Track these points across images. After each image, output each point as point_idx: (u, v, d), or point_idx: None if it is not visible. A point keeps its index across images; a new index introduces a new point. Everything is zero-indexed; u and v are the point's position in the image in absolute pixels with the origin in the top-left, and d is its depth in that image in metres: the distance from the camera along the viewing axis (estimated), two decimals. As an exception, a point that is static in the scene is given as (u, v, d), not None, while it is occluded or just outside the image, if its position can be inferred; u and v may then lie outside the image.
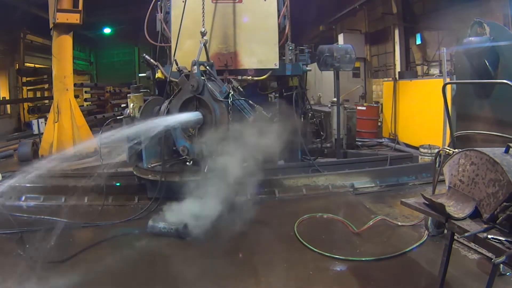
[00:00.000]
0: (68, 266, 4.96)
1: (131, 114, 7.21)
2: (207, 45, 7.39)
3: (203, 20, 6.90)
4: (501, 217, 3.13)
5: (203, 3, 7.01)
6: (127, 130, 6.52)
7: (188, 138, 6.37)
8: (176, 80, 6.81)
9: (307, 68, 8.92)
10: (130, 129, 6.54)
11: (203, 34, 6.69)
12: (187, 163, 6.59)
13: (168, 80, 7.20)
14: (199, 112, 6.26)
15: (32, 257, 5.10)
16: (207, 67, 6.52)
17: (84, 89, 23.68)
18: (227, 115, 6.00)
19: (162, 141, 6.67)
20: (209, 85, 6.13)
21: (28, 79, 20.09)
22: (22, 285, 4.55)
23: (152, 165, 6.98)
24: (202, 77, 6.34)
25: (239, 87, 6.48)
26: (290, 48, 8.18)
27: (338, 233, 5.93)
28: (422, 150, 9.11)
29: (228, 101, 6.08)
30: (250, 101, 6.16)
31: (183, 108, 6.41)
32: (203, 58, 6.92)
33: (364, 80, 18.11)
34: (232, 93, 6.07)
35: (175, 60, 7.09)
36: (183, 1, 7.47)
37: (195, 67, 6.23)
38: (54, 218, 6.58)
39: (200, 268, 4.94)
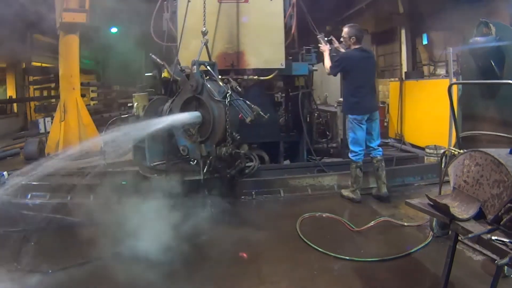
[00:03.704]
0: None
1: (135, 113, 7.24)
2: (213, 44, 7.41)
3: (204, 20, 6.89)
4: (505, 219, 3.11)
5: (204, 3, 7.00)
6: (127, 130, 6.53)
7: (188, 138, 6.38)
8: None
9: (314, 68, 8.91)
10: (131, 128, 6.56)
11: (204, 33, 6.70)
12: (191, 162, 6.60)
13: (171, 79, 7.21)
14: (199, 112, 6.27)
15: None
16: (208, 66, 6.53)
17: (91, 88, 23.66)
18: (224, 115, 6.01)
19: (165, 140, 6.69)
20: (208, 85, 6.14)
21: (34, 78, 20.08)
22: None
23: (154, 163, 7.00)
24: (206, 77, 6.35)
25: (237, 87, 6.48)
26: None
27: (341, 233, 5.94)
28: (428, 150, 9.07)
29: (226, 101, 6.08)
30: (248, 102, 6.16)
31: (184, 108, 6.43)
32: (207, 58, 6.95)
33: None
34: (230, 93, 6.07)
35: (178, 59, 7.11)
36: (189, 1, 7.49)
37: (195, 67, 6.23)
38: (59, 216, 6.62)
39: (203, 267, 4.95)
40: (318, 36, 7.97)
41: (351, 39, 7.22)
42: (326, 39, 7.87)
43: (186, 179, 6.76)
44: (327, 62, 7.49)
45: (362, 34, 7.35)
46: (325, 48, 7.71)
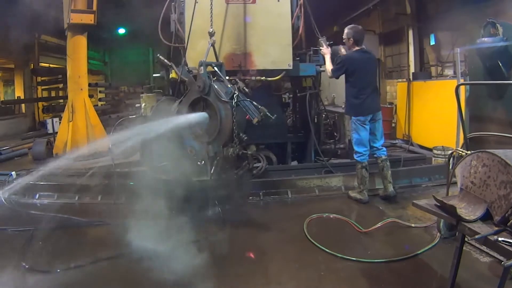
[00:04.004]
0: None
1: (143, 114, 7.27)
2: (220, 45, 7.42)
3: (211, 21, 6.90)
4: (512, 220, 3.12)
5: (211, 4, 7.01)
6: (135, 131, 6.56)
7: (195, 138, 6.39)
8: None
9: (321, 69, 8.89)
10: (138, 129, 6.59)
11: (211, 34, 6.71)
12: (199, 163, 6.62)
13: (179, 80, 7.23)
14: (206, 113, 6.28)
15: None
16: (216, 67, 6.54)
17: (99, 88, 23.75)
18: (231, 116, 6.01)
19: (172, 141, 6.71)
20: (215, 86, 6.15)
21: (42, 78, 20.17)
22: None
23: (162, 164, 7.02)
24: (213, 78, 6.36)
25: (244, 87, 6.49)
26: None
27: (348, 234, 5.94)
28: (435, 151, 9.04)
29: (233, 102, 6.09)
30: (254, 102, 6.17)
31: (191, 108, 6.44)
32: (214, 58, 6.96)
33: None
34: (237, 93, 6.08)
35: (185, 60, 7.13)
36: (196, 2, 7.50)
37: (202, 67, 6.24)
38: (66, 216, 6.66)
39: (210, 267, 4.97)
40: (319, 39, 8.00)
41: (349, 41, 7.30)
42: (328, 42, 7.90)
43: (193, 179, 6.77)
44: (329, 65, 7.59)
45: (360, 35, 7.36)
46: (326, 51, 7.78)
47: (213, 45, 6.78)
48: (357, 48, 7.26)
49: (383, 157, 7.32)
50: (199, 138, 6.35)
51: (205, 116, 6.26)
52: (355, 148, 7.30)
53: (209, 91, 6.19)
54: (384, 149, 7.42)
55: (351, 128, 7.53)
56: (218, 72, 6.49)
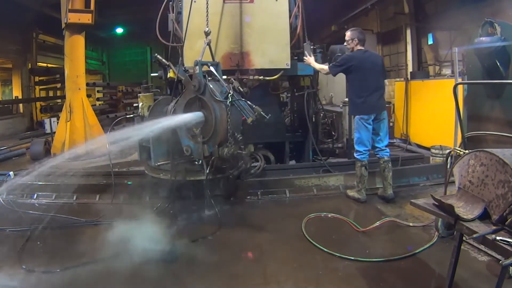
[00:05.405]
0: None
1: (140, 114, 7.26)
2: (217, 45, 7.40)
3: (207, 20, 6.87)
4: (510, 219, 3.10)
5: (207, 3, 6.98)
6: (132, 130, 6.57)
7: (191, 138, 6.38)
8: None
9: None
10: (135, 128, 6.60)
11: (207, 34, 6.70)
12: (196, 162, 6.62)
13: (176, 79, 7.21)
14: (201, 112, 6.27)
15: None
16: (211, 66, 6.52)
17: (97, 88, 23.77)
18: (226, 116, 5.99)
19: (169, 140, 6.70)
20: (210, 86, 6.12)
21: (40, 78, 20.21)
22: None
23: (159, 163, 7.02)
24: (209, 77, 6.34)
25: (239, 87, 6.47)
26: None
27: (346, 233, 5.93)
28: (433, 151, 9.03)
29: (227, 101, 6.07)
30: (249, 102, 6.15)
31: (188, 108, 6.42)
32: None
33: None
34: (231, 93, 6.07)
35: (181, 59, 7.12)
36: (194, 1, 7.48)
37: (198, 67, 6.22)
38: (64, 216, 6.66)
39: (208, 267, 4.97)
40: (304, 44, 8.02)
41: (353, 41, 7.28)
42: (312, 47, 7.92)
43: (190, 179, 6.77)
44: (319, 67, 7.75)
45: (364, 36, 7.39)
46: (309, 60, 7.86)
47: (209, 44, 6.77)
48: (359, 48, 7.26)
49: (386, 158, 7.24)
50: (194, 138, 6.34)
51: (200, 115, 6.25)
52: (356, 146, 7.24)
53: (204, 91, 6.18)
54: (388, 150, 7.33)
55: (353, 126, 7.48)
56: (214, 71, 6.48)
